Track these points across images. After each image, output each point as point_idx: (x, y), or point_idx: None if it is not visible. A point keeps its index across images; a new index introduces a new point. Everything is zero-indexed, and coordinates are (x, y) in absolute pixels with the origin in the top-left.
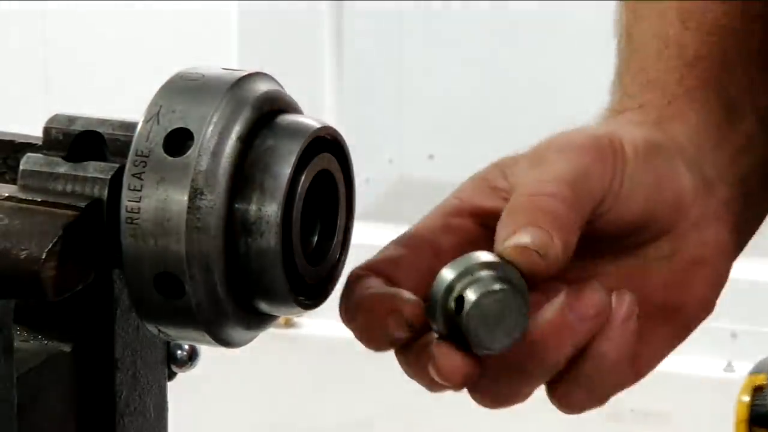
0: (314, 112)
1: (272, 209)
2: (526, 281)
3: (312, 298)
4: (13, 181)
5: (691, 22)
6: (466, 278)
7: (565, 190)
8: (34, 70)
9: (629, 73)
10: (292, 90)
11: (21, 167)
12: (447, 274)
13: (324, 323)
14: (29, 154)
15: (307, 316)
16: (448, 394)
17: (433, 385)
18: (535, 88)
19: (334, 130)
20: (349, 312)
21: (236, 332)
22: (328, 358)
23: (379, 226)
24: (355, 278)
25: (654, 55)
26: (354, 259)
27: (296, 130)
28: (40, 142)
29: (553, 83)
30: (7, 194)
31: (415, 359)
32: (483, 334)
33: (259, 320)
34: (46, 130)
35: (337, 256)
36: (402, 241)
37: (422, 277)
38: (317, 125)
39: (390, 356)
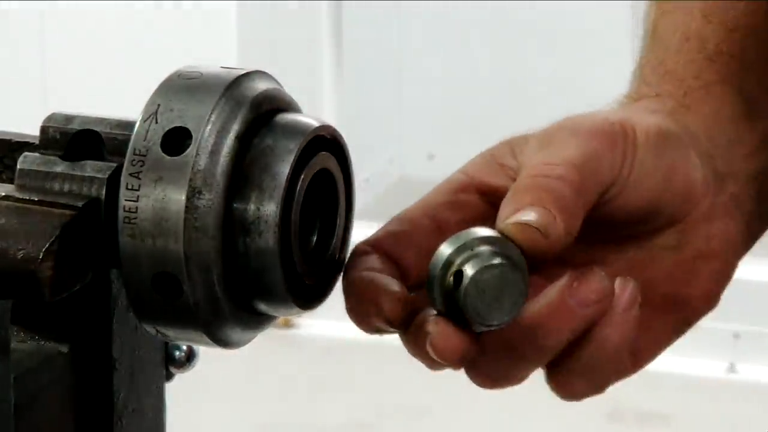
0: (314, 111)
1: (271, 209)
2: (526, 259)
3: (311, 299)
4: (10, 181)
5: (714, 18)
6: (464, 253)
7: (572, 174)
8: (32, 69)
9: (649, 64)
10: (292, 89)
11: (18, 166)
12: (445, 249)
13: (323, 323)
14: (26, 153)
15: (307, 317)
16: (447, 395)
17: (432, 363)
18: (535, 88)
19: (334, 129)
20: (345, 290)
21: (234, 332)
22: (328, 358)
23: (378, 225)
24: (356, 254)
25: (675, 47)
26: None
27: (295, 129)
28: (37, 141)
29: (554, 82)
30: (4, 194)
31: (413, 337)
32: (481, 309)
33: (257, 320)
34: (43, 129)
35: (337, 255)
36: (407, 217)
37: (425, 253)
38: (316, 124)
39: (388, 356)
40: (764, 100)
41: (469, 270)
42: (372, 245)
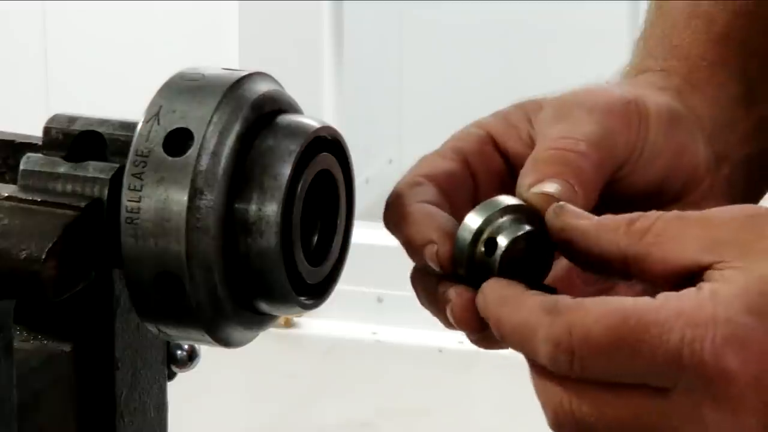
0: (314, 112)
1: (272, 209)
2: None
3: (312, 298)
4: (14, 181)
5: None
6: (495, 222)
7: (591, 150)
8: (35, 69)
9: (654, 36)
10: (292, 90)
11: (21, 167)
12: (474, 217)
13: (324, 323)
14: (29, 154)
15: (307, 316)
16: (447, 395)
17: (448, 324)
18: (535, 89)
19: (334, 130)
20: (397, 218)
21: (236, 332)
22: (328, 358)
23: (379, 226)
24: (409, 184)
25: (682, 23)
26: (355, 259)
27: (296, 130)
28: (40, 142)
29: (554, 83)
30: (7, 194)
31: (434, 298)
32: (513, 276)
33: (259, 320)
34: (46, 130)
35: (338, 256)
36: (452, 155)
37: (468, 196)
38: (317, 125)
39: (388, 356)
40: (764, 85)
41: (502, 238)
42: (426, 177)
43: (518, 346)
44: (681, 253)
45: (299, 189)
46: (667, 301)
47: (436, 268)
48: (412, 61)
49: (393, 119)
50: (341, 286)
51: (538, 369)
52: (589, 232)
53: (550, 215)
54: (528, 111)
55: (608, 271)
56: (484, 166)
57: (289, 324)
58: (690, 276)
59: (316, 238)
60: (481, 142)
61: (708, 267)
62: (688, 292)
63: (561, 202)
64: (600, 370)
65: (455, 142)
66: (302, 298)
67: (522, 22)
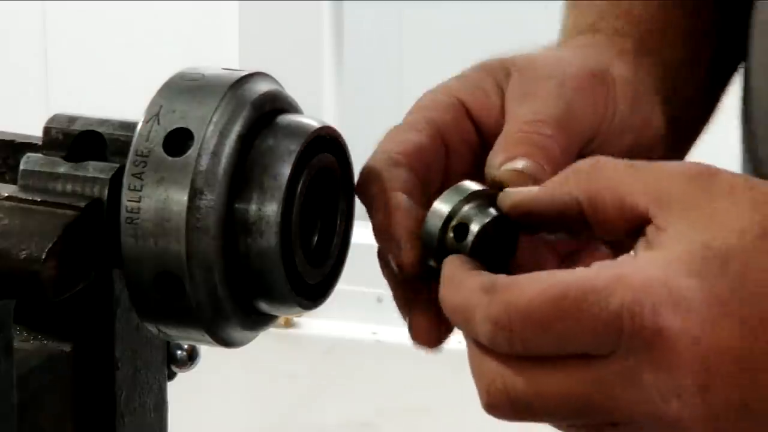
0: (314, 112)
1: (272, 209)
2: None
3: (312, 298)
4: (13, 181)
5: None
6: (463, 208)
7: (558, 132)
8: (35, 69)
9: None
10: (292, 90)
11: (21, 167)
12: (443, 204)
13: (324, 323)
14: (29, 154)
15: (307, 316)
16: (447, 395)
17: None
18: None
19: (334, 130)
20: (370, 199)
21: (236, 332)
22: (328, 358)
23: None
24: (386, 163)
25: None
26: (355, 259)
27: (296, 130)
28: (40, 142)
29: None
30: (7, 194)
31: (404, 302)
32: (485, 259)
33: (259, 320)
34: (46, 130)
35: (337, 256)
36: (425, 128)
37: (442, 167)
38: (317, 125)
39: (388, 356)
40: (708, 46)
41: (473, 223)
42: (403, 155)
43: (461, 326)
44: (634, 198)
45: (299, 189)
46: (604, 268)
47: (398, 275)
48: (412, 61)
49: (393, 119)
50: (341, 286)
51: (477, 347)
52: (540, 196)
53: (501, 199)
54: (495, 76)
55: (571, 225)
56: (458, 136)
57: (289, 324)
58: (639, 226)
59: (316, 238)
60: (454, 111)
61: (652, 221)
62: (627, 258)
63: (506, 189)
64: (542, 344)
65: (428, 113)
66: (302, 298)
67: (522, 22)
